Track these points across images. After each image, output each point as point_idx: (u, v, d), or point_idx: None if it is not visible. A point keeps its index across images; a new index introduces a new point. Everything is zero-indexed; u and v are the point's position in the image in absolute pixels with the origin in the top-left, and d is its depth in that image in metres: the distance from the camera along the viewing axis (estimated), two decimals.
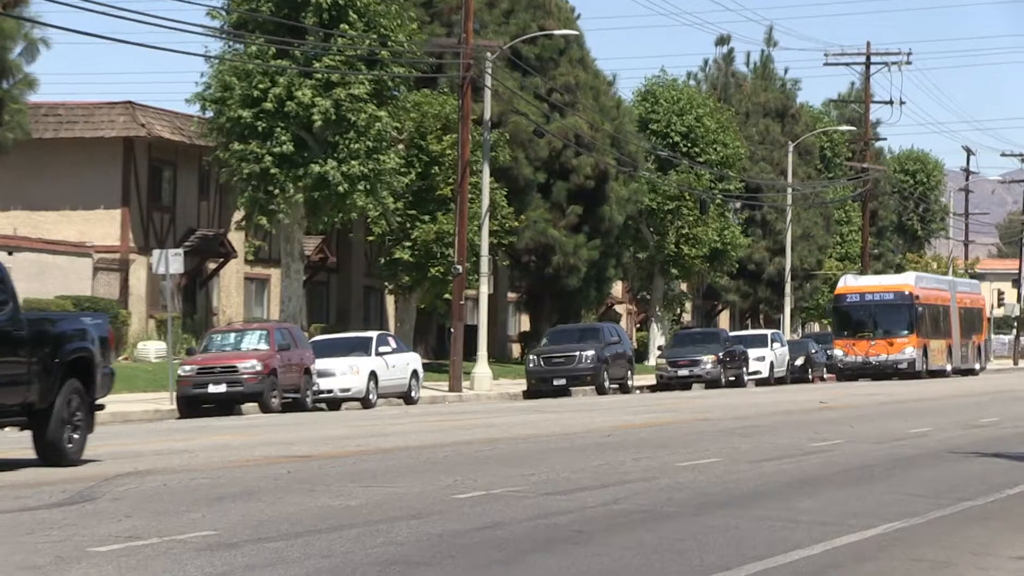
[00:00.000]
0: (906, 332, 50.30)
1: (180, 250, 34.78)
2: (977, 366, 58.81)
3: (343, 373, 31.51)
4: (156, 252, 33.01)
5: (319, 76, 35.40)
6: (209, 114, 36.86)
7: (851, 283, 52.67)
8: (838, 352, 50.52)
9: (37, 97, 40.04)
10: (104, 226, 40.84)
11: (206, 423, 27.91)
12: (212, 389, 29.90)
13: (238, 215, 38.39)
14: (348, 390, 31.53)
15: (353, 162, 35.64)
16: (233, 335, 32.22)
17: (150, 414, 29.07)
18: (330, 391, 31.56)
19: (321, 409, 31.33)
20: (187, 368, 30.37)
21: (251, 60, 35.66)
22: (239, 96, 35.41)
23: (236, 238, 42.18)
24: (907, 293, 50.83)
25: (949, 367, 54.29)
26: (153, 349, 38.06)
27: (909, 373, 49.41)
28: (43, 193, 39.94)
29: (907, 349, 49.91)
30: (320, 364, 31.43)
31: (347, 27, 35.59)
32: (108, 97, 44.12)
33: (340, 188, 35.57)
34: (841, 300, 51.75)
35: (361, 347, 32.85)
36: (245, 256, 43.56)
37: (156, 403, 30.34)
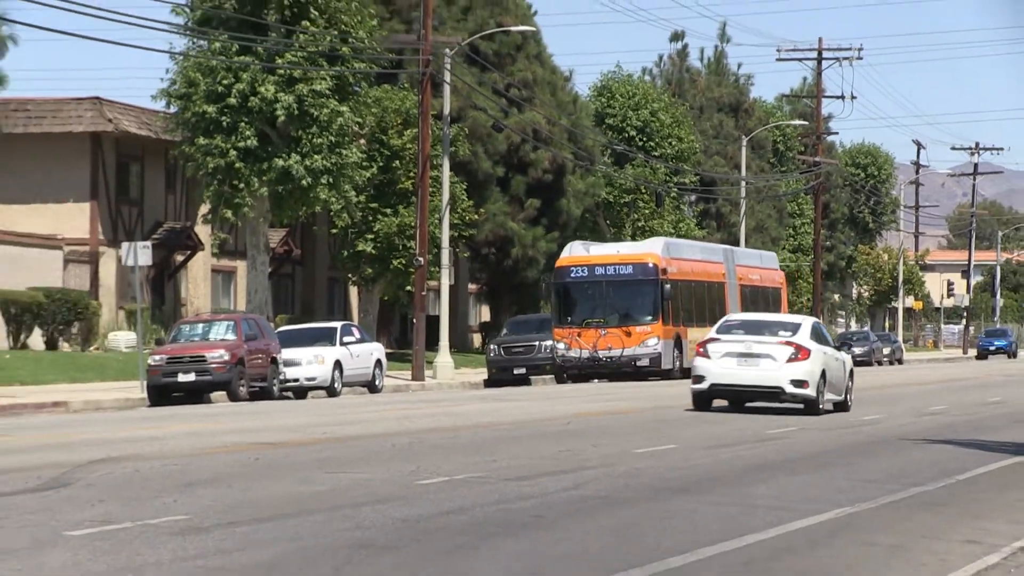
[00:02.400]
0: (649, 318, 37.96)
1: (148, 243, 35.14)
2: None
3: (308, 362, 31.86)
4: (125, 245, 33.30)
5: (282, 72, 35.76)
6: (174, 109, 37.23)
7: (578, 252, 39.38)
8: (559, 345, 37.80)
9: (6, 94, 40.79)
10: (74, 219, 41.08)
11: (176, 411, 28.00)
12: (181, 378, 30.11)
13: (204, 208, 38.94)
14: (314, 379, 31.93)
15: (316, 156, 36.00)
16: (201, 325, 32.60)
17: (121, 402, 29.48)
18: (296, 380, 31.94)
19: (287, 398, 31.72)
20: (157, 358, 30.64)
21: (215, 56, 36.12)
22: (203, 92, 35.77)
23: (203, 231, 42.62)
24: (651, 265, 38.16)
25: None
26: (123, 339, 38.42)
27: (653, 371, 38.17)
28: (13, 187, 40.23)
29: (650, 340, 37.56)
30: (286, 354, 31.85)
31: (308, 23, 36.02)
32: (76, 93, 44.60)
33: (304, 182, 35.99)
34: (563, 275, 38.71)
35: (326, 337, 33.32)
36: (211, 249, 43.99)
37: (127, 392, 30.70)
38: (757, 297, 46.21)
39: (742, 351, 22.69)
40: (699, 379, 23.20)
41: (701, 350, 23.10)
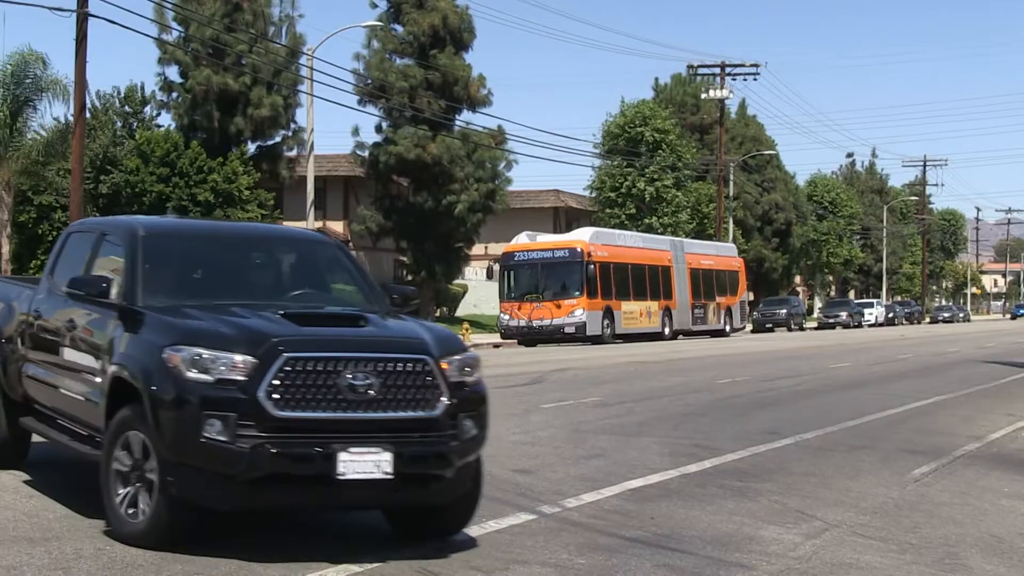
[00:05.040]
0: (577, 293, 42.18)
1: None
2: (728, 328, 54.58)
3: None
4: None
5: (648, 175, 72.01)
6: (593, 194, 74.33)
7: (522, 240, 44.68)
8: (503, 316, 43.45)
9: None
10: None
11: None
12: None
13: None
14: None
15: (664, 218, 71.90)
16: None
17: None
18: None
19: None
20: None
21: (615, 168, 72.68)
22: (608, 187, 72.55)
23: None
24: (578, 250, 42.57)
25: (666, 330, 48.32)
26: None
27: (579, 337, 42.30)
28: (502, 237, 52.65)
29: (576, 312, 42.07)
30: None
31: (661, 151, 71.31)
32: (540, 186, 78.89)
33: (658, 232, 72.39)
34: (508, 259, 43.99)
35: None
36: None
37: None
38: (711, 278, 53.47)
39: None
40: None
41: None
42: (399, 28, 56.15)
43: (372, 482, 7.43)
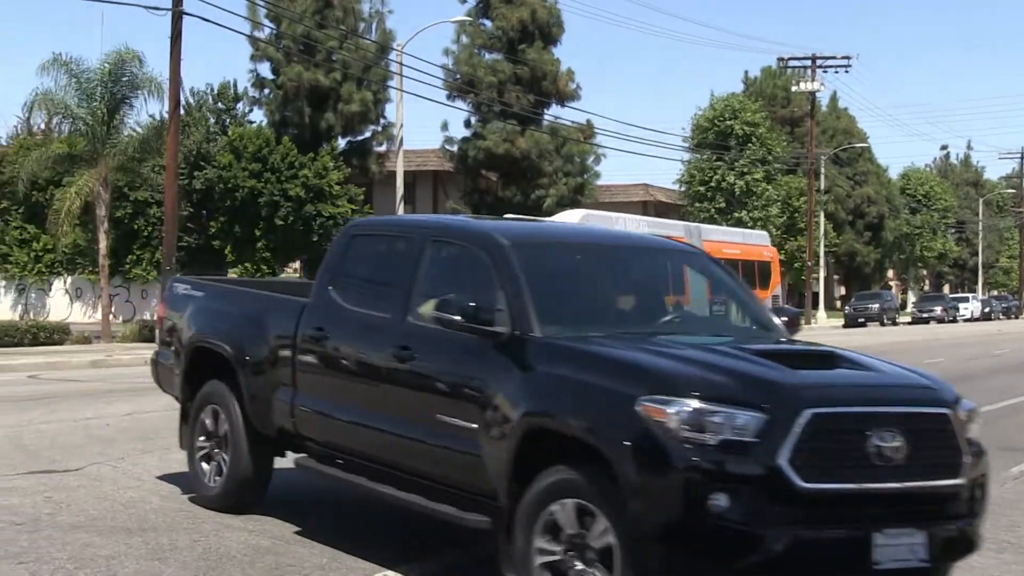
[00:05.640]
0: None
1: None
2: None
3: None
4: None
5: (738, 168, 71.85)
6: (683, 189, 74.29)
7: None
8: None
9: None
10: None
11: None
12: None
13: None
14: None
15: (754, 211, 71.55)
16: None
17: None
18: None
19: None
20: None
21: (704, 162, 72.66)
22: (698, 181, 72.48)
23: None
24: None
25: None
26: None
27: None
28: None
29: None
30: None
31: (751, 144, 71.72)
32: (628, 180, 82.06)
33: (747, 226, 72.01)
34: None
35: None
36: None
37: None
38: (735, 270, 56.49)
39: None
40: None
41: None
42: (488, 23, 56.38)
43: (906, 572, 6.00)
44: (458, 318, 6.85)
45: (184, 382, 9.48)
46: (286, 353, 8.41)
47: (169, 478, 10.30)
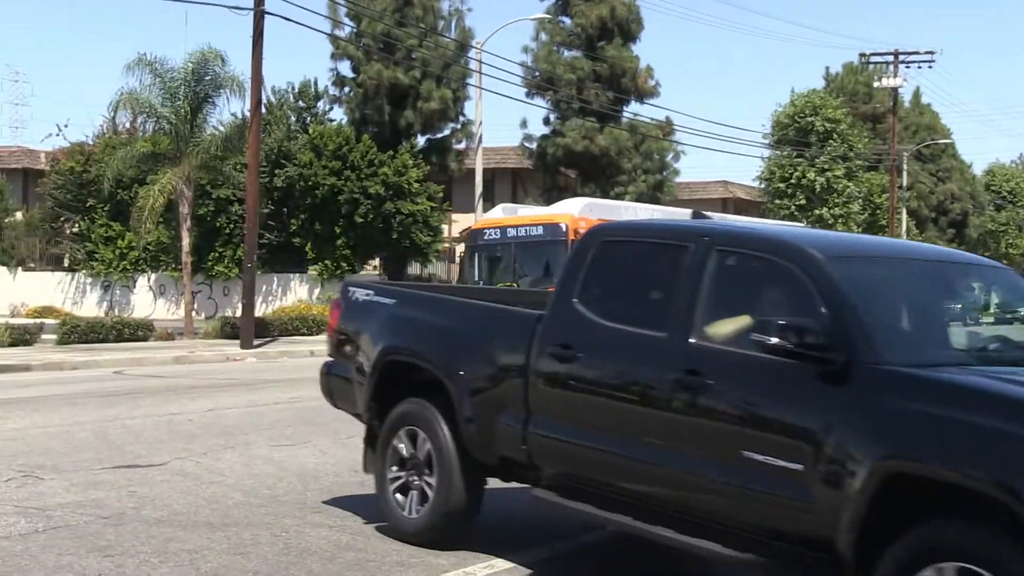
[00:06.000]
0: None
1: None
2: None
3: None
4: None
5: (818, 165, 71.13)
6: (763, 186, 73.67)
7: (496, 215, 33.67)
8: None
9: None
10: None
11: None
12: None
13: None
14: None
15: (835, 209, 70.78)
16: None
17: None
18: None
19: None
20: None
21: (785, 159, 72.06)
22: (778, 177, 71.85)
23: None
24: (561, 227, 30.70)
25: None
26: None
27: None
28: None
29: None
30: None
31: (832, 140, 70.96)
32: (707, 178, 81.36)
33: (829, 221, 71.10)
34: (476, 238, 32.81)
35: None
36: None
37: None
38: None
39: None
40: None
41: None
42: (567, 20, 56.41)
43: None
44: (782, 342, 5.82)
45: (372, 400, 8.33)
46: (516, 371, 7.30)
47: (250, 474, 10.39)
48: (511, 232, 31.63)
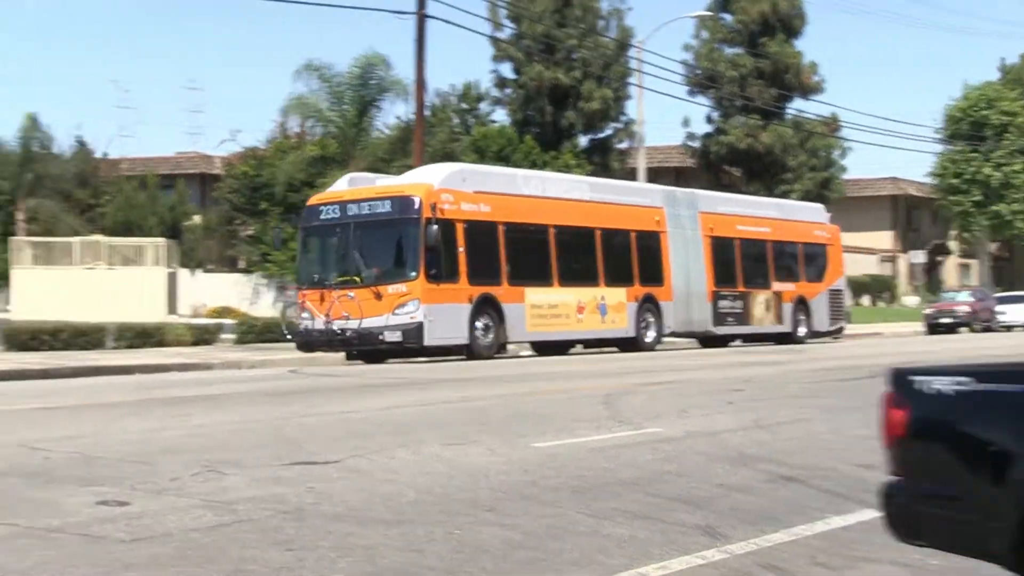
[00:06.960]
0: (414, 274, 25.10)
1: (922, 251, 67.66)
2: (801, 330, 36.02)
3: (1010, 312, 55.12)
4: (911, 252, 65.60)
5: (994, 160, 68.64)
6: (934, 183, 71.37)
7: (340, 186, 27.71)
8: (304, 312, 26.51)
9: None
10: (883, 240, 69.54)
11: (944, 337, 47.73)
12: (941, 320, 49.23)
13: (953, 233, 71.99)
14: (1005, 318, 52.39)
15: (1013, 205, 68.24)
16: (952, 292, 55.68)
17: (911, 333, 47.83)
18: (1008, 321, 52.42)
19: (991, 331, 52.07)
20: (929, 310, 50.91)
21: (961, 155, 69.67)
22: (965, 179, 69.32)
23: (954, 246, 73.15)
24: (413, 201, 25.12)
25: (648, 333, 30.83)
26: (911, 301, 67.38)
27: (412, 348, 25.57)
28: (848, 225, 56.85)
29: (406, 306, 25.10)
30: (999, 307, 53.66)
31: (1009, 134, 68.28)
32: (876, 175, 75.81)
33: (1006, 219, 68.58)
34: (310, 217, 26.85)
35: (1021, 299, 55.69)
36: (957, 254, 74.01)
37: (916, 327, 50.36)
38: (762, 253, 35.26)
39: None
40: None
41: None
42: (728, 17, 55.84)
43: None
44: None
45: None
46: None
47: (423, 472, 10.51)
48: (352, 209, 26.05)
